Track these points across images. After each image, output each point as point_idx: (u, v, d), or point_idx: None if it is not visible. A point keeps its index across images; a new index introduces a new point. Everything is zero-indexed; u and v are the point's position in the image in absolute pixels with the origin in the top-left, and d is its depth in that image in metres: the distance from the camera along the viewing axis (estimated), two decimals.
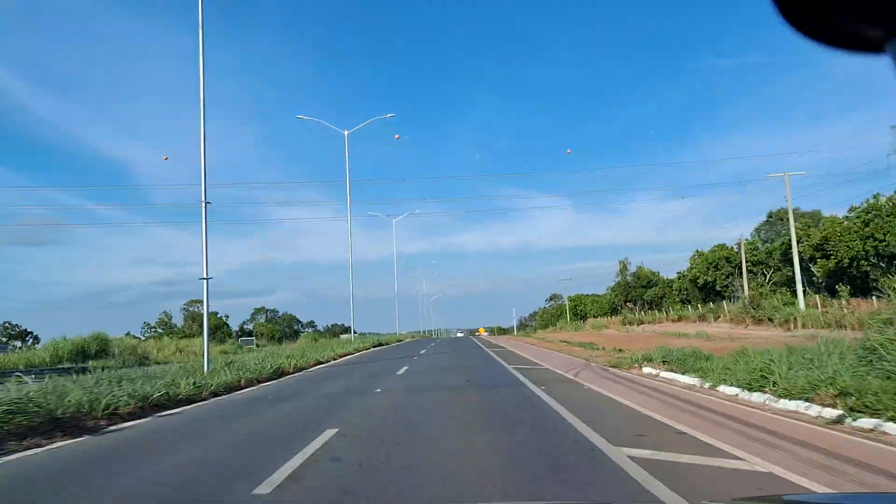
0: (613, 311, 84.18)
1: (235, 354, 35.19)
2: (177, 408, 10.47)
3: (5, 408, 7.54)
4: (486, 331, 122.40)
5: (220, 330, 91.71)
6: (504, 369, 16.63)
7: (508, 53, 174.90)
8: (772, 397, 9.19)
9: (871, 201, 40.55)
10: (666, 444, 6.11)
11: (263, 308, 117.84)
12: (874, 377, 8.15)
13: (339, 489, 4.71)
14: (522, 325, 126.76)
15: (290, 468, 5.35)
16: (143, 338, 76.29)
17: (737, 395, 10.18)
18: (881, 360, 8.61)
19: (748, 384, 10.23)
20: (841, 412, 7.47)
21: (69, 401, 8.45)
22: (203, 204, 16.12)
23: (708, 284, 57.54)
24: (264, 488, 4.70)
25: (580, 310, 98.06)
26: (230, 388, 13.14)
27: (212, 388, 12.11)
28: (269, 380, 15.09)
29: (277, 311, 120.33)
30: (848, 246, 40.04)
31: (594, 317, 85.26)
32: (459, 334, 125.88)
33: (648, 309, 74.21)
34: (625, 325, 63.88)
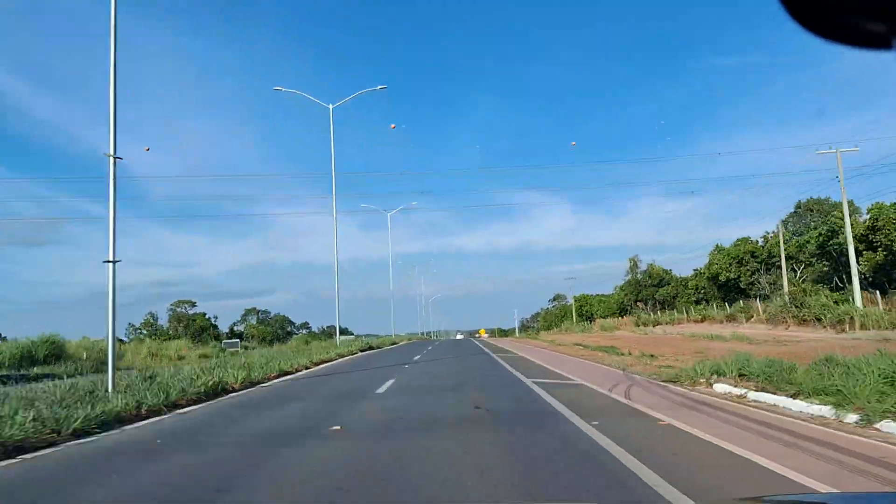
0: (622, 311, 79.98)
1: (215, 359, 30.88)
2: None
3: None
4: (486, 332, 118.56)
5: (205, 332, 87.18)
6: (523, 385, 12.25)
7: (508, 53, 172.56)
8: None
9: None
10: None
11: (255, 309, 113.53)
12: None
13: None
14: (524, 327, 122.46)
15: None
16: (127, 340, 72.12)
17: None
18: None
19: None
20: None
21: None
22: (111, 159, 11.74)
23: (730, 282, 53.05)
24: None
25: (585, 310, 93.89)
26: (122, 420, 8.78)
27: (76, 423, 7.72)
28: (193, 403, 10.67)
29: (269, 312, 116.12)
30: None
31: (602, 317, 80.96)
32: (459, 336, 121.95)
33: (661, 309, 69.91)
34: (638, 325, 59.46)
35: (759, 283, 48.44)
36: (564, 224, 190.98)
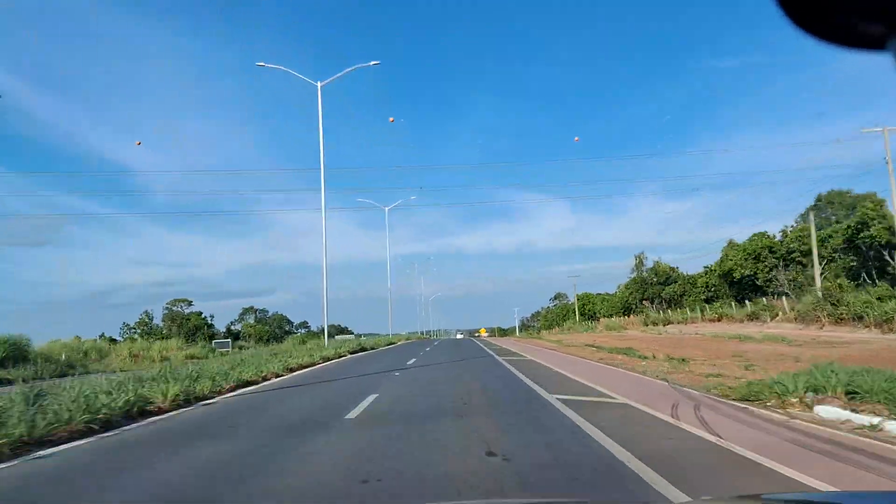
0: (626, 310, 76.89)
1: (204, 360, 27.68)
2: None
3: None
4: (486, 332, 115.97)
5: (200, 331, 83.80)
6: (547, 407, 9.01)
7: (508, 53, 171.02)
8: None
9: None
10: None
11: (252, 308, 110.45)
12: None
13: None
14: (524, 326, 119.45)
15: None
16: (121, 340, 68.74)
17: None
18: None
19: None
20: None
21: None
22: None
23: (745, 279, 49.89)
24: None
25: (588, 309, 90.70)
26: None
27: None
28: (75, 437, 7.43)
29: (267, 311, 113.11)
30: None
31: (606, 316, 77.80)
32: (459, 335, 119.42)
33: (667, 307, 66.81)
34: (647, 325, 56.33)
35: (777, 279, 45.26)
36: (564, 224, 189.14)
